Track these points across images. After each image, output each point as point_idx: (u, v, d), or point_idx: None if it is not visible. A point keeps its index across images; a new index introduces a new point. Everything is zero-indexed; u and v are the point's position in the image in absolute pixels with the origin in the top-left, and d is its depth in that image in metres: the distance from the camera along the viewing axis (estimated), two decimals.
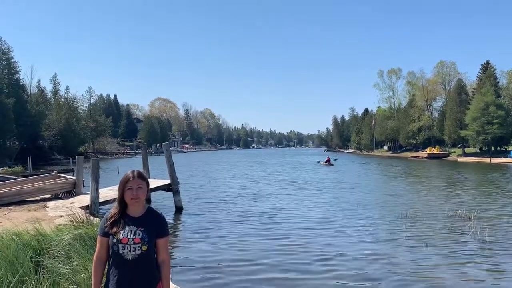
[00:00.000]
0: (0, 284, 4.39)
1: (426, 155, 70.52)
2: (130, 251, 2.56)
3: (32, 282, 4.55)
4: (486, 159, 55.55)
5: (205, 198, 18.52)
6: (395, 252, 9.06)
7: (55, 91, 72.46)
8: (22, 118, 48.89)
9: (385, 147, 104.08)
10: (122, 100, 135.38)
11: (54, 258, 5.19)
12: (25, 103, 52.66)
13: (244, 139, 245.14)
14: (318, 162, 51.17)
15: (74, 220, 7.57)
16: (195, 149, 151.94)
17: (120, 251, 2.57)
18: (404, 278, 7.39)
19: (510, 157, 53.58)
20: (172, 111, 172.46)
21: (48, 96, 69.25)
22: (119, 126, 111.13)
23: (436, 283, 7.19)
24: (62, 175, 17.03)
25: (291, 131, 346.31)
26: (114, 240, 2.58)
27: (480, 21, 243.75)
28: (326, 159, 50.15)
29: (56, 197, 13.96)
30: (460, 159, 61.73)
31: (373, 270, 7.80)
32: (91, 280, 2.74)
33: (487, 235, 10.25)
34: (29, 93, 62.58)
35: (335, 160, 51.43)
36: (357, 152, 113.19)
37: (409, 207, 15.16)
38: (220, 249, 9.41)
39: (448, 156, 68.40)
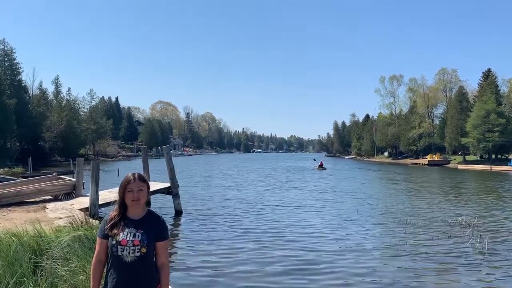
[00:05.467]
0: None
1: (426, 162, 70.42)
2: (129, 253, 2.56)
3: (30, 283, 4.56)
4: (487, 167, 55.46)
5: (205, 202, 18.50)
6: (395, 259, 9.04)
7: (57, 93, 72.41)
8: (23, 119, 48.92)
9: (386, 153, 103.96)
10: (124, 103, 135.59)
11: (53, 259, 5.19)
12: (26, 104, 52.72)
13: (245, 143, 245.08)
14: (314, 160, 54.65)
15: (73, 222, 7.57)
16: (196, 152, 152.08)
17: (119, 253, 2.57)
18: (403, 286, 7.38)
19: (510, 165, 53.49)
20: (173, 114, 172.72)
21: (49, 98, 69.22)
22: (120, 129, 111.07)
23: None
24: (62, 176, 17.03)
25: (291, 136, 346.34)
26: (114, 242, 2.59)
27: (482, 29, 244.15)
28: (320, 163, 51.64)
29: (55, 199, 13.95)
30: (460, 166, 61.62)
31: (373, 277, 7.79)
32: (89, 282, 2.74)
33: (486, 242, 10.23)
34: (30, 95, 62.65)
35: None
36: (358, 158, 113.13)
37: (409, 214, 15.14)
38: (219, 253, 9.40)
39: (448, 163, 68.28)
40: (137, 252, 2.57)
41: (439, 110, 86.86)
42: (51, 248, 5.51)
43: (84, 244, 5.70)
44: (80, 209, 11.24)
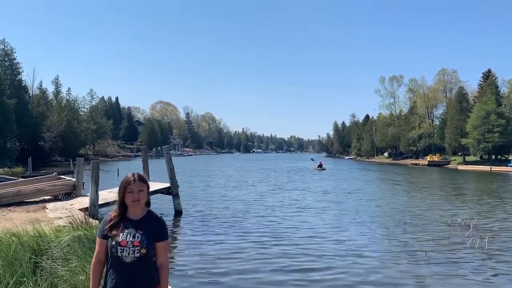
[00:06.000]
0: None
1: (426, 163, 70.43)
2: (129, 254, 2.57)
3: (30, 283, 4.55)
4: (487, 168, 55.44)
5: (205, 202, 18.50)
6: (394, 260, 9.04)
7: (57, 93, 72.42)
8: (23, 119, 48.92)
9: (386, 154, 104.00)
10: (124, 103, 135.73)
11: (53, 259, 5.19)
12: (26, 104, 52.71)
13: (245, 144, 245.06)
14: (312, 160, 53.81)
15: (73, 222, 7.57)
16: (196, 152, 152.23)
17: (119, 254, 2.57)
18: (402, 286, 7.38)
19: (510, 165, 53.46)
20: (173, 115, 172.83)
21: (49, 98, 69.22)
22: (120, 129, 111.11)
23: None
24: (62, 176, 17.03)
25: (291, 136, 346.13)
26: (113, 243, 2.59)
27: (482, 29, 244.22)
28: (319, 163, 52.28)
29: (55, 199, 13.95)
30: (460, 167, 61.60)
31: (372, 278, 7.78)
32: (89, 282, 2.75)
33: (486, 243, 10.23)
34: (30, 94, 62.64)
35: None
36: (358, 158, 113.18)
37: (408, 215, 15.14)
38: (219, 254, 9.39)
39: (448, 164, 68.26)
40: (137, 253, 2.57)
41: (439, 111, 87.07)
42: (51, 248, 5.51)
43: (84, 244, 5.70)
44: (80, 209, 11.24)
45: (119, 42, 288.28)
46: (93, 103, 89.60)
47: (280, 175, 40.22)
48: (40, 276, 4.80)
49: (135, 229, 2.62)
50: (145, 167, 16.46)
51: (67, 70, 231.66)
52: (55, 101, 69.48)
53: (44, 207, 11.95)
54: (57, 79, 72.90)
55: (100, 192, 12.18)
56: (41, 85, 68.58)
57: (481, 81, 70.85)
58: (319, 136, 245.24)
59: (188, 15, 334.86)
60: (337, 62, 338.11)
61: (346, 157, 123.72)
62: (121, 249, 2.57)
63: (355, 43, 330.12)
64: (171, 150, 18.41)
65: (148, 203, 13.27)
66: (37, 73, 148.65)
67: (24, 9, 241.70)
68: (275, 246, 10.16)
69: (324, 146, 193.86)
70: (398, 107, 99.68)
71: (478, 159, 65.83)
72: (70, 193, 14.34)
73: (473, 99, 70.61)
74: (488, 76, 68.73)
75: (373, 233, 12.10)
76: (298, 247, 10.11)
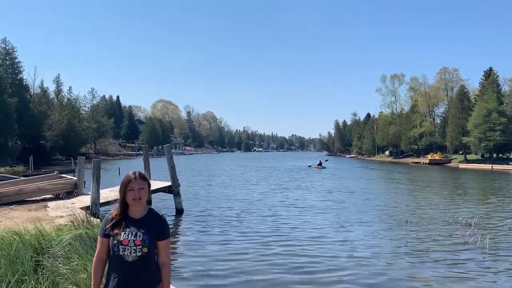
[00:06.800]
0: (0, 283, 4.39)
1: (427, 161, 70.35)
2: (130, 253, 2.56)
3: (32, 281, 4.55)
4: (488, 166, 55.36)
5: (207, 201, 18.50)
6: (396, 260, 9.02)
7: (58, 92, 72.45)
8: (24, 118, 48.99)
9: (387, 152, 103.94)
10: (125, 102, 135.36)
11: (54, 258, 5.19)
12: (27, 103, 52.77)
13: (246, 142, 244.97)
14: (310, 166, 52.70)
15: (74, 221, 7.56)
16: (197, 151, 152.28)
17: (121, 253, 2.57)
18: (404, 286, 7.37)
19: (511, 164, 53.44)
20: (174, 113, 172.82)
21: (50, 97, 69.29)
22: (121, 128, 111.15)
23: None
24: (63, 175, 17.05)
25: (292, 135, 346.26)
26: (115, 242, 2.58)
27: (483, 27, 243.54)
28: (318, 162, 52.43)
29: (57, 197, 13.97)
30: (461, 165, 61.55)
31: (373, 277, 7.78)
32: (91, 281, 2.74)
33: (487, 242, 10.21)
34: (32, 93, 62.68)
35: (326, 161, 54.53)
36: (359, 157, 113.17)
37: (410, 213, 15.13)
38: (221, 254, 9.38)
39: (449, 162, 68.20)
40: (139, 252, 2.56)
41: (440, 109, 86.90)
42: (52, 246, 5.50)
43: (85, 243, 5.69)
44: (81, 208, 11.23)
45: (119, 42, 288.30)
46: (94, 102, 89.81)
47: (282, 174, 40.22)
48: (41, 274, 4.80)
49: (137, 228, 2.61)
50: (146, 166, 16.47)
51: (67, 70, 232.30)
52: (56, 100, 69.53)
53: (45, 206, 11.95)
54: (58, 78, 73.00)
55: (101, 191, 12.17)
56: (42, 84, 68.68)
57: (483, 80, 70.69)
58: (320, 134, 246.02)
59: (188, 15, 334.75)
60: (337, 62, 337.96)
61: (347, 156, 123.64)
62: (122, 248, 2.56)
63: (355, 43, 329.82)
64: (172, 149, 18.42)
65: (149, 202, 13.26)
66: (38, 72, 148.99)
67: (24, 9, 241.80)
68: (278, 246, 10.10)
69: (325, 145, 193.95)
70: (399, 105, 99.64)
71: (480, 157, 65.70)
72: (71, 192, 14.36)
73: (475, 98, 70.47)
74: (489, 74, 68.55)
75: (375, 232, 12.08)
76: (300, 247, 10.05)
